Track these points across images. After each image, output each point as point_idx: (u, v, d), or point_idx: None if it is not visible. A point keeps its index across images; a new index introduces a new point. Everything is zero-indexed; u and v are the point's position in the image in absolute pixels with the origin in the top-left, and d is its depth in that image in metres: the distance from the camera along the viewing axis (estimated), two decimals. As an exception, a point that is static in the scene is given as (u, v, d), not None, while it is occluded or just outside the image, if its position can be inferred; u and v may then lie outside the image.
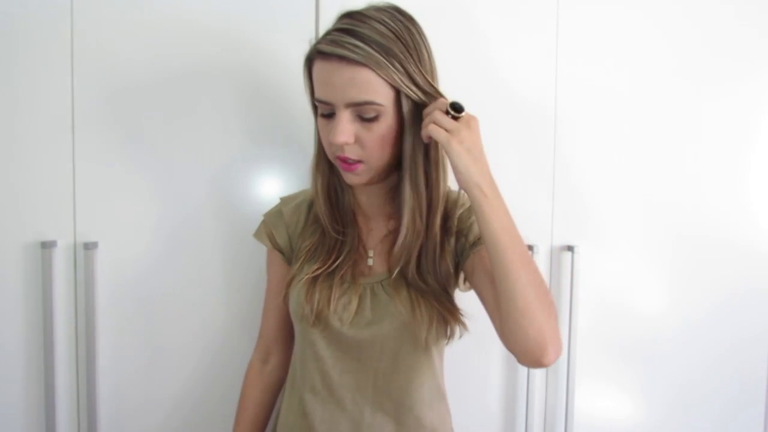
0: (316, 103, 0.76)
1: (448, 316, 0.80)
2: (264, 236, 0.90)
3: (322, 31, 1.01)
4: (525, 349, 0.68)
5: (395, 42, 0.71)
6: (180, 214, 1.02)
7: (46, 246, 0.95)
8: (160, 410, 1.04)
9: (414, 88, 0.72)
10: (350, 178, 0.78)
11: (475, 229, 0.82)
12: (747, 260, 1.22)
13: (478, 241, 0.81)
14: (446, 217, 0.83)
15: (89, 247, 0.96)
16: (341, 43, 0.69)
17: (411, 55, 0.72)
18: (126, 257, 1.00)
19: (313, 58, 0.75)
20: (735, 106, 1.19)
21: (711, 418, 1.22)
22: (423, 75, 0.73)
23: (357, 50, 0.69)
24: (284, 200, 0.92)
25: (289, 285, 0.85)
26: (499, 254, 0.68)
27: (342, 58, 0.69)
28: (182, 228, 1.02)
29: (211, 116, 1.01)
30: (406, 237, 0.78)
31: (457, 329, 0.82)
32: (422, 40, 0.75)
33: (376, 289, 0.82)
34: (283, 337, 0.95)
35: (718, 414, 1.23)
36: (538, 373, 1.14)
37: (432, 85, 0.74)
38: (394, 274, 0.80)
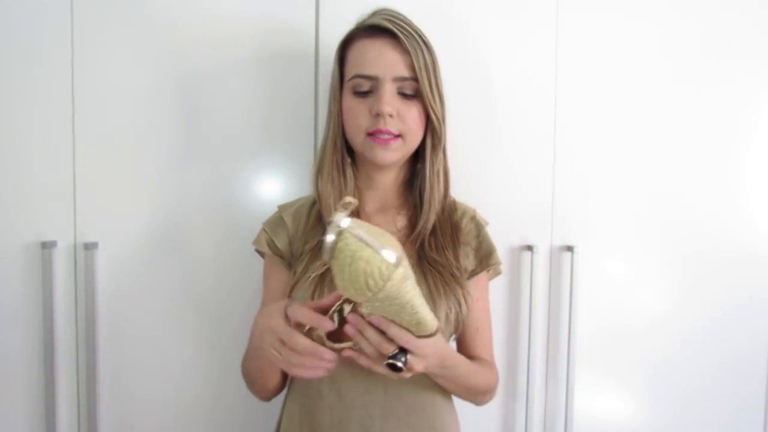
0: (352, 82, 0.79)
1: (462, 296, 0.81)
2: (264, 243, 0.87)
3: (322, 32, 1.02)
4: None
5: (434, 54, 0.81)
6: (180, 214, 1.02)
7: (46, 246, 0.95)
8: (160, 410, 1.04)
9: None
10: (382, 154, 0.79)
11: (483, 249, 0.89)
12: (748, 262, 1.22)
13: (482, 265, 0.88)
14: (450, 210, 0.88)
15: (89, 247, 0.96)
16: (399, 24, 0.77)
17: (436, 69, 0.81)
18: (126, 257, 1.00)
19: (353, 38, 0.80)
20: (736, 108, 1.19)
21: (711, 419, 1.22)
22: (438, 86, 0.81)
23: (414, 36, 0.77)
24: (282, 207, 0.90)
25: (293, 289, 0.82)
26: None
27: (396, 38, 0.76)
28: (182, 228, 1.02)
29: (211, 117, 1.01)
30: (428, 213, 0.84)
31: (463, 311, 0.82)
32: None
33: None
34: None
35: (719, 415, 1.23)
36: (538, 374, 1.14)
37: (440, 99, 0.81)
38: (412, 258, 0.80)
